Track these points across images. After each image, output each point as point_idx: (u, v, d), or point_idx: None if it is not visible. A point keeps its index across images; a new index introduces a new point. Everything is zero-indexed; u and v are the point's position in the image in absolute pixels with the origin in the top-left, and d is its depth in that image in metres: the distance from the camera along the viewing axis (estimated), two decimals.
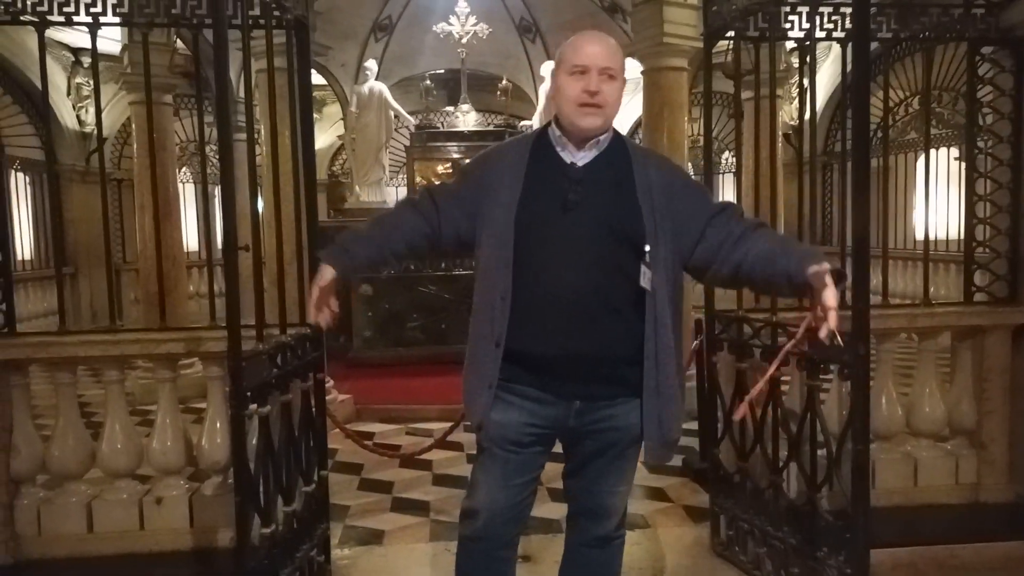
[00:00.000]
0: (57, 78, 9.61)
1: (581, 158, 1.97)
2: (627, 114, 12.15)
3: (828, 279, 1.75)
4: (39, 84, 3.62)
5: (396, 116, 9.63)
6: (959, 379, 3.71)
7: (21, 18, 3.14)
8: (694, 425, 4.56)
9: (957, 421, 3.69)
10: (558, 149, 1.99)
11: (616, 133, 2.04)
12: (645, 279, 1.90)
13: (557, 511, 3.17)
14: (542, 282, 1.90)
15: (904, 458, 3.66)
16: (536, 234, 1.90)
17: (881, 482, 3.55)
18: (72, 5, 3.14)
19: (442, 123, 10.24)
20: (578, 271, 1.89)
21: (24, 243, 9.44)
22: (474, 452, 2.17)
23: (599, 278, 1.90)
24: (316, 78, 4.00)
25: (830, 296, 1.73)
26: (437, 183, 2.19)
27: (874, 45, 3.02)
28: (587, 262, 1.90)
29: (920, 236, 4.09)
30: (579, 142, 1.97)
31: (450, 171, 9.56)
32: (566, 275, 1.90)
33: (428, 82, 10.51)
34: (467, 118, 9.75)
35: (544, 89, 9.33)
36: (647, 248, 1.90)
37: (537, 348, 1.93)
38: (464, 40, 9.00)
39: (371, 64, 9.47)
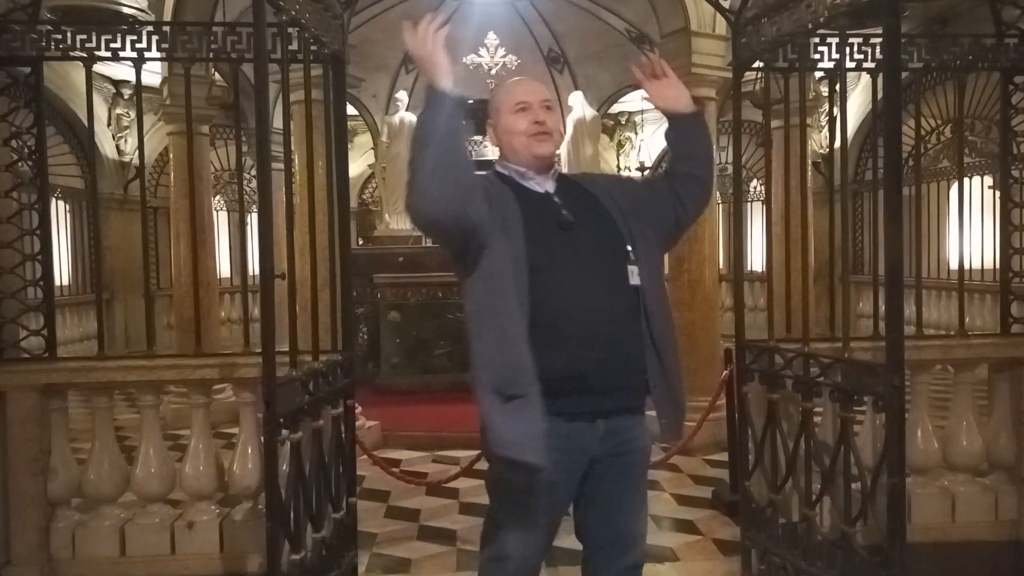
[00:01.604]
0: (98, 109, 9.91)
1: (549, 187, 2.09)
2: (655, 142, 12.21)
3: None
4: (81, 115, 3.75)
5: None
6: (997, 412, 3.63)
7: (71, 54, 3.27)
8: (724, 456, 4.51)
9: (996, 455, 3.60)
10: (524, 183, 2.07)
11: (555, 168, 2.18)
12: (634, 276, 2.01)
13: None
14: (557, 301, 1.92)
15: (941, 493, 3.58)
16: (544, 256, 1.94)
17: (917, 517, 3.47)
18: (118, 41, 3.26)
19: (471, 152, 10.35)
20: (587, 288, 1.96)
21: (63, 269, 9.67)
22: None
23: (606, 291, 1.98)
24: (348, 109, 4.09)
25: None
26: None
27: (905, 74, 3.02)
28: (592, 278, 1.98)
29: (954, 265, 4.03)
30: (540, 171, 2.09)
31: None
32: (581, 290, 1.95)
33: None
34: (495, 148, 9.83)
35: (572, 119, 9.42)
36: (629, 248, 2.02)
37: (565, 369, 1.89)
38: (493, 71, 9.12)
39: (402, 95, 9.64)
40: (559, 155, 9.81)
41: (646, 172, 12.52)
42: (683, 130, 2.13)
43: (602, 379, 1.94)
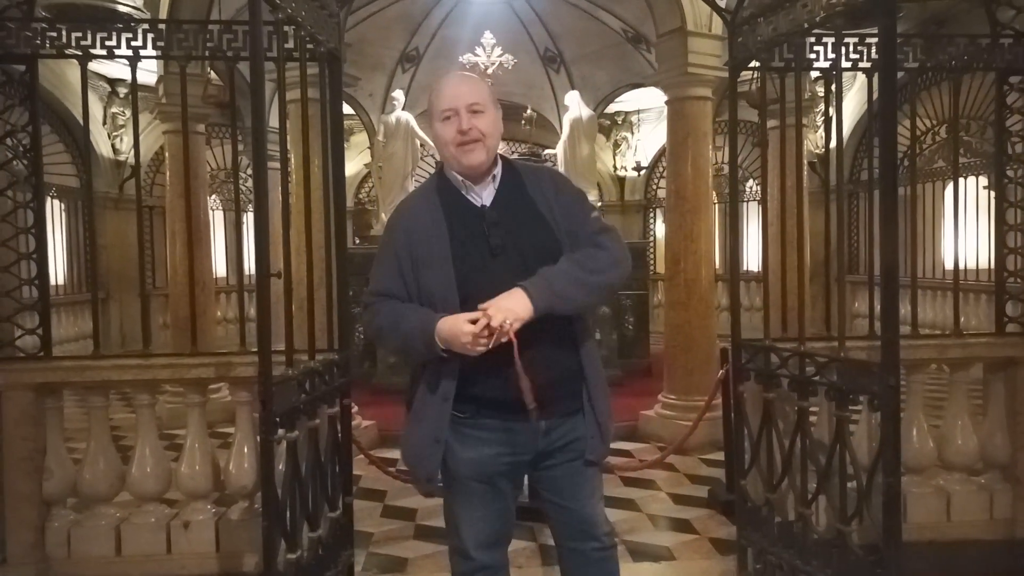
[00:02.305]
0: (93, 107, 9.87)
1: (486, 196, 2.07)
2: (652, 142, 12.22)
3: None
4: (77, 113, 3.73)
5: (422, 145, 9.74)
6: (992, 411, 3.64)
7: (65, 52, 3.26)
8: (720, 455, 4.52)
9: (991, 455, 3.62)
10: (464, 193, 2.07)
11: (504, 160, 2.13)
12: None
13: None
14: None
15: (936, 492, 3.59)
16: (473, 284, 1.96)
17: (913, 516, 3.48)
18: (114, 39, 3.25)
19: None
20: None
21: (58, 268, 9.64)
22: None
23: (535, 321, 1.92)
24: (344, 108, 4.08)
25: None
26: (373, 282, 2.19)
27: (900, 74, 3.03)
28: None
29: (949, 265, 4.05)
30: (477, 180, 2.06)
31: None
32: None
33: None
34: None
35: (568, 118, 9.42)
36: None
37: (496, 393, 1.98)
38: (490, 71, 9.11)
39: (398, 94, 9.62)
40: (554, 154, 9.83)
41: (642, 172, 12.53)
42: (574, 307, 2.02)
43: (540, 393, 1.94)
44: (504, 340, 1.87)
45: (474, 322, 1.87)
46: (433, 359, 1.99)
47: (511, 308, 1.87)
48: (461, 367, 1.98)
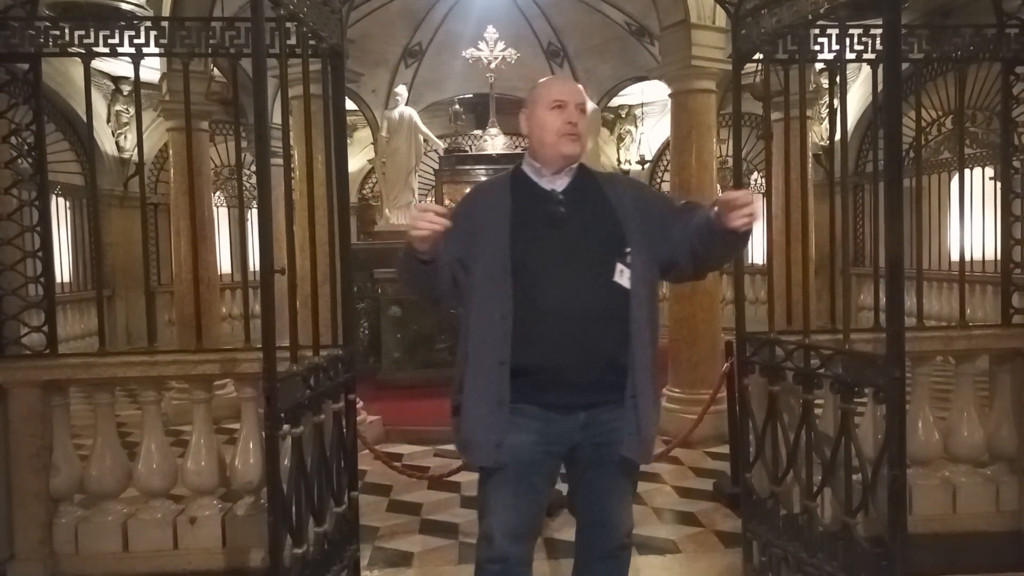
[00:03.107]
0: (97, 105, 9.90)
1: (559, 184, 2.16)
2: (655, 136, 12.18)
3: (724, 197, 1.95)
4: (81, 112, 3.74)
5: (425, 140, 9.75)
6: (998, 403, 3.63)
7: (69, 50, 3.26)
8: (725, 449, 4.52)
9: (997, 447, 3.61)
10: (536, 179, 2.17)
11: (581, 164, 2.22)
12: (624, 277, 2.05)
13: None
14: (539, 298, 2.01)
15: (942, 484, 3.58)
16: (529, 254, 2.03)
17: (918, 508, 3.47)
18: (117, 37, 3.25)
19: (471, 147, 10.34)
20: (571, 284, 2.02)
21: (63, 266, 9.67)
22: None
23: (590, 288, 2.02)
24: (347, 104, 4.09)
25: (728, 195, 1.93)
26: None
27: (905, 65, 3.01)
28: (578, 275, 2.03)
29: (955, 257, 4.02)
30: (555, 171, 2.15)
31: None
32: (561, 289, 2.02)
33: (457, 106, 10.64)
34: (495, 141, 9.85)
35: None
36: (627, 250, 2.06)
37: (542, 362, 2.02)
38: (493, 65, 9.11)
39: (401, 89, 9.62)
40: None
41: (646, 166, 12.50)
42: (729, 244, 2.08)
43: (579, 374, 2.03)
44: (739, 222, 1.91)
45: None
46: (456, 297, 2.09)
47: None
48: (514, 327, 2.00)
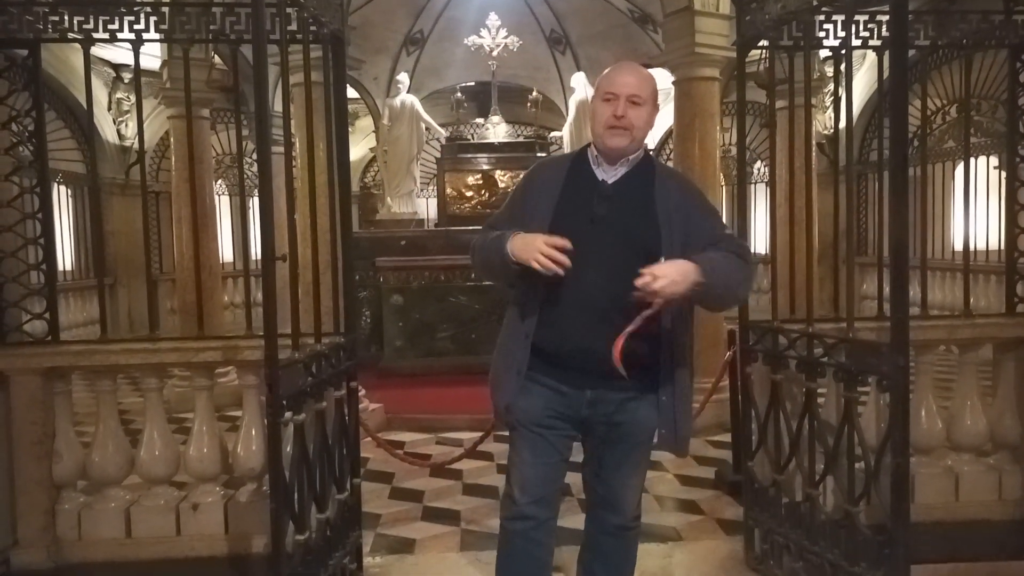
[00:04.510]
0: (98, 93, 9.87)
1: (612, 175, 2.21)
2: (659, 124, 12.13)
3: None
4: (82, 99, 3.72)
5: (427, 128, 9.72)
6: (1002, 392, 3.62)
7: (68, 36, 3.24)
8: (727, 437, 4.52)
9: (1000, 435, 3.60)
10: (593, 167, 2.23)
11: (646, 153, 2.26)
12: None
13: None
14: (569, 286, 2.09)
15: (945, 472, 3.58)
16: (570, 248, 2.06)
17: (921, 497, 3.47)
18: (116, 23, 3.23)
19: (473, 135, 10.30)
20: (601, 277, 2.09)
21: (65, 254, 9.67)
22: (504, 463, 2.37)
23: (619, 284, 2.02)
24: (349, 92, 4.06)
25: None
26: (496, 215, 2.38)
27: (911, 52, 2.99)
28: (610, 270, 2.08)
29: (959, 246, 4.00)
30: (611, 161, 2.20)
31: (480, 182, 9.60)
32: (590, 281, 2.10)
33: (459, 94, 10.59)
34: (497, 130, 9.82)
35: (574, 100, 9.35)
36: (661, 259, 2.07)
37: (556, 344, 2.16)
38: (495, 53, 9.07)
39: (403, 77, 9.58)
40: (560, 137, 9.76)
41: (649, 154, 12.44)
42: (705, 301, 2.16)
43: (584, 362, 2.12)
44: (648, 301, 1.96)
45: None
46: (513, 281, 2.20)
47: (676, 283, 1.96)
48: (541, 307, 2.14)
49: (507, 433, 2.33)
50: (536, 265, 2.00)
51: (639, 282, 1.95)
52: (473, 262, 2.31)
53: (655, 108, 2.22)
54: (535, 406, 2.20)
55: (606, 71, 2.25)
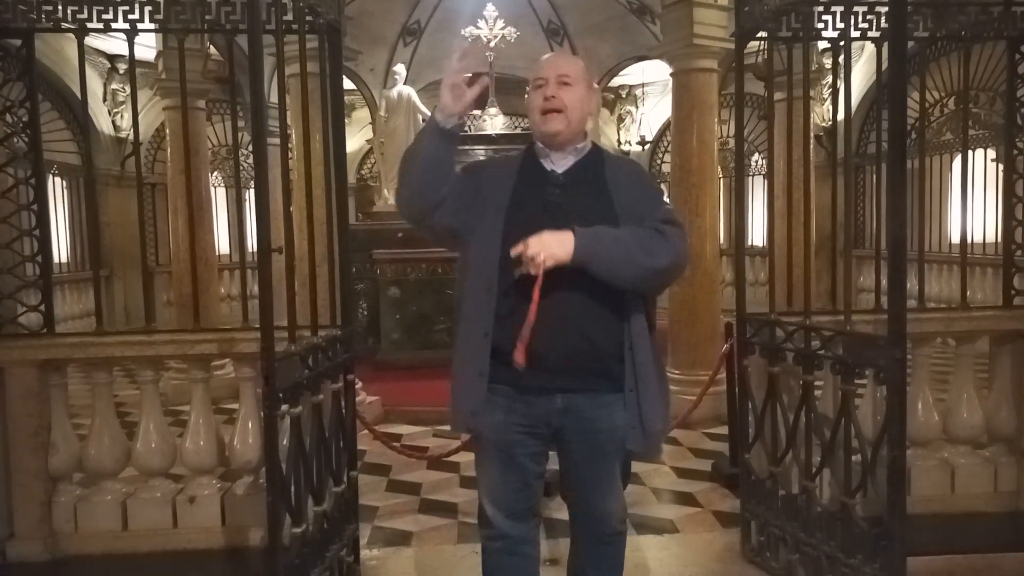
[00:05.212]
0: (93, 84, 9.81)
1: (561, 165, 2.12)
2: (656, 116, 12.11)
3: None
4: (77, 90, 3.69)
5: (424, 120, 9.68)
6: (998, 385, 3.63)
7: (62, 25, 3.22)
8: (724, 430, 4.53)
9: (996, 428, 3.61)
10: (541, 160, 2.14)
11: (594, 144, 2.19)
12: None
13: None
14: (519, 282, 1.96)
15: (941, 465, 3.59)
16: (519, 236, 1.97)
17: (917, 489, 3.48)
18: (110, 12, 3.21)
19: (470, 127, 10.25)
20: (559, 271, 1.93)
21: (60, 246, 9.64)
22: None
23: (578, 275, 1.95)
24: (345, 83, 4.04)
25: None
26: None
27: (910, 44, 2.97)
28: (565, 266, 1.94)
29: (956, 239, 4.00)
30: (556, 149, 2.11)
31: None
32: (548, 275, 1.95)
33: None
34: (495, 121, 9.78)
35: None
36: None
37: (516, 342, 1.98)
38: (492, 44, 9.02)
39: (399, 68, 9.53)
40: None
41: (646, 147, 12.42)
42: (606, 272, 1.97)
43: (560, 360, 1.99)
44: (531, 272, 1.89)
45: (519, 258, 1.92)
46: (446, 142, 2.01)
47: (550, 245, 1.90)
48: (498, 302, 2.00)
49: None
50: (447, 88, 1.91)
51: (514, 251, 1.91)
52: (405, 173, 2.07)
53: (590, 91, 2.13)
54: (499, 421, 2.05)
55: (535, 63, 2.20)
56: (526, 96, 2.18)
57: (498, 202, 2.06)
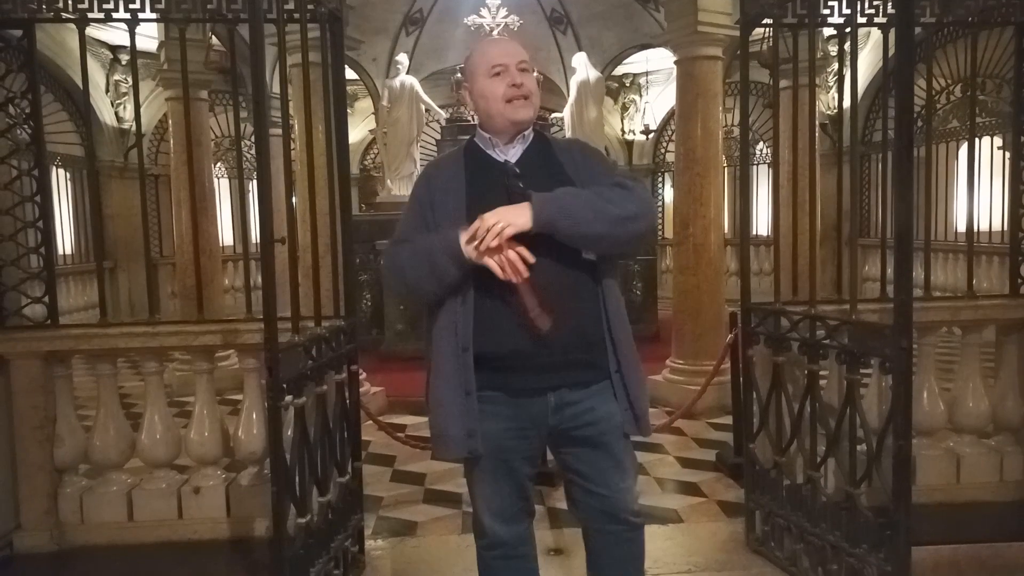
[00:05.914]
0: (96, 75, 9.81)
1: (513, 154, 2.05)
2: (660, 105, 12.05)
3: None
4: (79, 82, 3.68)
5: (427, 110, 9.65)
6: (1004, 374, 3.61)
7: (63, 15, 3.20)
8: (728, 419, 4.52)
9: (1002, 417, 3.60)
10: (489, 152, 2.07)
11: (534, 129, 2.10)
12: (589, 251, 1.95)
13: None
14: (499, 280, 1.86)
15: (946, 454, 3.58)
16: None
17: (922, 478, 3.47)
18: (111, 2, 3.18)
19: (473, 116, 10.22)
20: (535, 262, 1.86)
21: (64, 238, 9.66)
22: None
23: (552, 263, 1.90)
24: (348, 73, 4.04)
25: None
26: (397, 231, 2.11)
27: (917, 30, 2.94)
28: (539, 247, 1.87)
29: (963, 227, 3.99)
30: (509, 139, 2.05)
31: None
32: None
33: (459, 75, 10.50)
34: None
35: (575, 81, 9.28)
36: None
37: (505, 347, 1.93)
38: (495, 33, 8.97)
39: (402, 58, 9.50)
40: (561, 118, 9.69)
41: (650, 135, 12.37)
42: (579, 233, 1.90)
43: (546, 355, 1.92)
44: (493, 244, 1.81)
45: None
46: (453, 284, 1.92)
47: (506, 214, 1.83)
48: (474, 310, 1.92)
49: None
50: (495, 266, 1.82)
51: (466, 233, 1.84)
52: (395, 279, 2.04)
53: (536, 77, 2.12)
54: (494, 429, 1.97)
55: (474, 51, 2.11)
56: (456, 83, 2.13)
57: (456, 208, 1.97)
